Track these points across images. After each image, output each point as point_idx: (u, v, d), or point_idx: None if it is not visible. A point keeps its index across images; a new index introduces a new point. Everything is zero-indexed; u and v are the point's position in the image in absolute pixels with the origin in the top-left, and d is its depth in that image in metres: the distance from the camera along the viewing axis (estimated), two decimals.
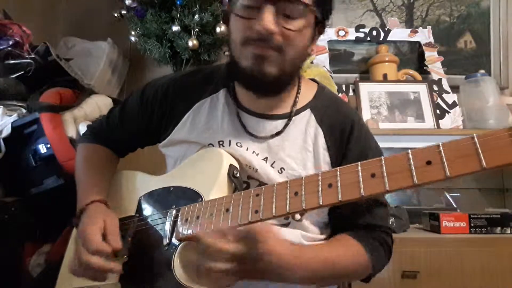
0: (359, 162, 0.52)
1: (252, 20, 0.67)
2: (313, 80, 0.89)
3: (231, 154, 0.76)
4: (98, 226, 0.69)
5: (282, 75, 0.71)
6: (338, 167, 0.54)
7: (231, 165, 0.73)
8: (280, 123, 0.79)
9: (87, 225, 0.70)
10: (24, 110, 1.26)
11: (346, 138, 0.79)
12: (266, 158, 0.77)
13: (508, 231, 1.40)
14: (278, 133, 0.78)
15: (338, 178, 0.52)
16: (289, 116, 0.79)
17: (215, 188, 0.70)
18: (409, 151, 0.48)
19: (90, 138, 0.94)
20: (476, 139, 0.44)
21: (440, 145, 0.46)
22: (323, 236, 0.79)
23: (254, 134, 0.78)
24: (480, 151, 0.43)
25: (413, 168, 0.47)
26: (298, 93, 0.81)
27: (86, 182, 0.83)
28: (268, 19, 0.65)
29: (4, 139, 1.17)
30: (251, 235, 0.53)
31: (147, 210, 0.78)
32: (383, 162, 0.50)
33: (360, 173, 0.51)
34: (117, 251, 0.68)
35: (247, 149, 0.77)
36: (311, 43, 0.75)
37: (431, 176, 0.46)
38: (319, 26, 0.75)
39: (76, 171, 0.89)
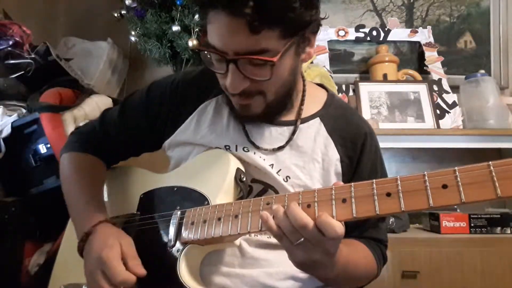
0: (374, 180, 0.52)
1: (224, 74, 0.66)
2: (322, 86, 0.87)
3: (238, 157, 0.75)
4: (116, 250, 0.63)
5: (271, 107, 0.72)
6: (352, 183, 0.53)
7: (238, 169, 0.72)
8: (286, 130, 0.77)
9: (103, 249, 0.63)
10: (24, 110, 1.26)
11: (359, 150, 0.78)
12: (272, 165, 0.75)
13: (508, 231, 1.40)
14: (285, 144, 0.76)
15: (353, 194, 0.52)
16: (295, 124, 0.77)
17: (222, 192, 0.69)
18: (425, 172, 0.48)
19: (78, 146, 0.86)
20: (492, 166, 0.44)
21: (456, 169, 0.46)
22: None
23: (261, 147, 0.76)
24: (495, 179, 0.44)
25: (429, 190, 0.47)
26: (303, 100, 0.79)
27: (85, 199, 0.76)
28: (234, 79, 0.64)
29: (4, 139, 1.17)
30: (329, 229, 0.51)
31: (149, 209, 0.76)
32: (399, 182, 0.50)
33: (376, 191, 0.50)
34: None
35: (254, 153, 0.76)
36: (299, 57, 0.70)
37: (446, 200, 0.46)
38: (308, 33, 0.67)
39: (67, 184, 0.81)
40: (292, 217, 0.52)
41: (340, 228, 0.51)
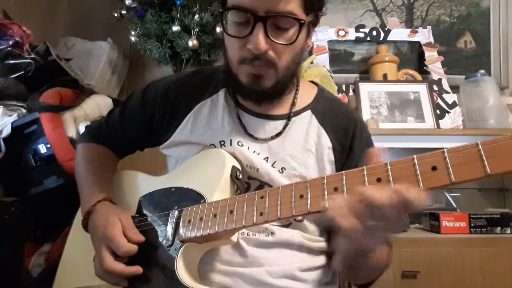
0: (364, 167, 0.52)
1: (245, 39, 0.68)
2: (313, 82, 0.90)
3: (232, 154, 0.76)
4: (118, 226, 0.69)
5: (279, 84, 0.74)
6: (343, 171, 0.54)
7: (233, 167, 0.72)
8: (279, 124, 0.79)
9: (106, 227, 0.69)
10: (24, 110, 1.26)
11: (350, 137, 0.80)
12: (267, 158, 0.77)
13: (508, 231, 1.40)
14: (277, 135, 0.78)
15: (344, 182, 0.52)
16: (288, 117, 0.80)
17: (218, 189, 0.70)
18: (414, 156, 0.49)
19: (89, 139, 0.94)
20: (480, 145, 0.44)
21: (445, 150, 0.46)
22: (322, 238, 0.79)
23: (255, 136, 0.78)
24: (484, 157, 0.44)
25: (418, 173, 0.47)
26: (296, 94, 0.83)
27: (87, 182, 0.83)
28: (260, 38, 0.66)
29: (4, 139, 1.17)
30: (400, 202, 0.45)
31: (148, 210, 0.77)
32: (389, 166, 0.50)
33: (366, 178, 0.51)
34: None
35: (248, 148, 0.77)
36: (306, 40, 0.75)
37: (436, 181, 0.46)
38: (314, 20, 0.74)
39: (76, 171, 0.88)
40: (372, 196, 0.46)
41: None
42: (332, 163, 0.78)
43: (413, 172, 0.48)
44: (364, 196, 0.46)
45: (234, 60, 0.72)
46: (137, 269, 0.67)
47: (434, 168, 0.47)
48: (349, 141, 0.80)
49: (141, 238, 0.70)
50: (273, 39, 0.67)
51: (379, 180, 0.50)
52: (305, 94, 0.84)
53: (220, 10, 0.73)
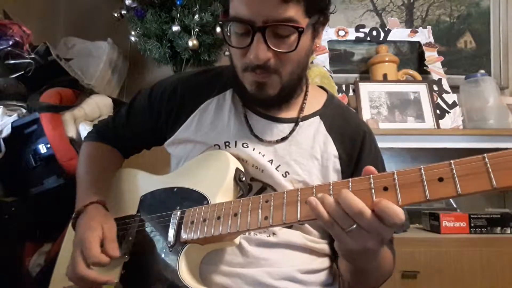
0: (371, 175, 0.52)
1: (246, 48, 0.68)
2: (323, 88, 0.90)
3: (236, 155, 0.76)
4: (96, 233, 0.68)
5: (284, 90, 0.73)
6: (350, 178, 0.53)
7: (237, 169, 0.72)
8: (286, 127, 0.79)
9: (85, 231, 0.69)
10: (24, 110, 1.26)
11: (359, 148, 0.80)
12: (271, 160, 0.76)
13: (508, 231, 1.40)
14: (284, 139, 0.78)
15: (350, 190, 0.52)
16: (296, 121, 0.79)
17: (221, 191, 0.70)
18: (421, 166, 0.49)
19: (95, 137, 0.94)
20: (487, 159, 0.45)
21: (452, 162, 0.47)
22: (324, 241, 0.79)
23: (261, 138, 0.77)
24: (490, 170, 0.44)
25: (425, 183, 0.48)
26: (305, 99, 0.82)
27: (86, 181, 0.83)
28: (259, 49, 0.65)
29: (4, 139, 1.17)
30: (393, 215, 0.47)
31: (149, 210, 0.77)
32: (396, 176, 0.50)
33: (373, 186, 0.51)
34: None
35: (253, 150, 0.77)
36: (313, 43, 0.74)
37: (443, 192, 0.47)
38: (322, 20, 0.73)
39: (78, 168, 0.88)
40: (346, 203, 0.49)
41: (402, 213, 0.48)
42: (338, 172, 0.78)
43: (420, 182, 0.48)
44: (339, 197, 0.50)
45: (239, 68, 0.73)
46: (110, 278, 0.66)
47: (440, 179, 0.47)
48: (357, 152, 0.79)
49: (116, 254, 0.67)
50: (273, 48, 0.66)
51: (385, 189, 0.50)
52: (314, 100, 0.83)
53: (220, 22, 0.73)
